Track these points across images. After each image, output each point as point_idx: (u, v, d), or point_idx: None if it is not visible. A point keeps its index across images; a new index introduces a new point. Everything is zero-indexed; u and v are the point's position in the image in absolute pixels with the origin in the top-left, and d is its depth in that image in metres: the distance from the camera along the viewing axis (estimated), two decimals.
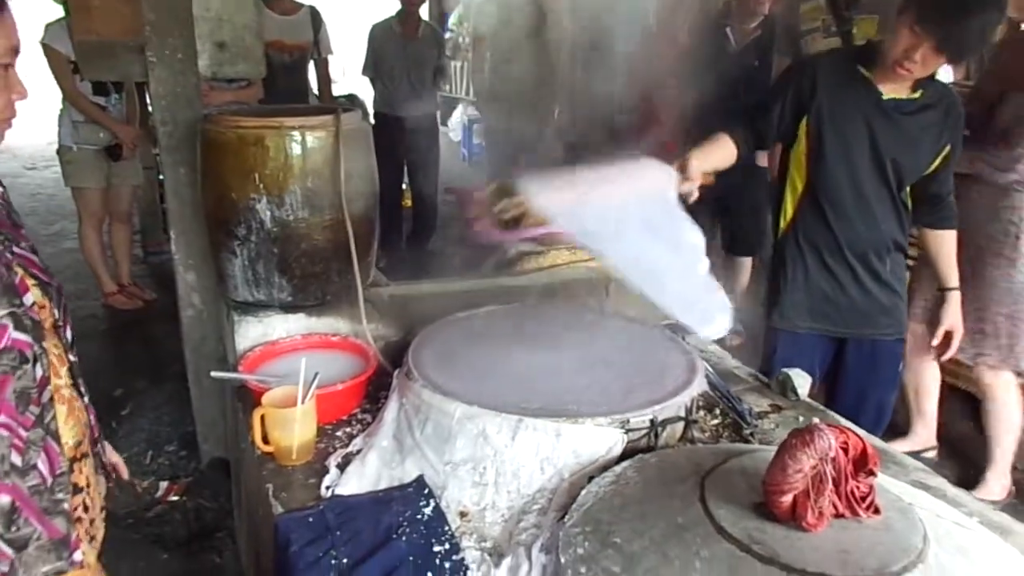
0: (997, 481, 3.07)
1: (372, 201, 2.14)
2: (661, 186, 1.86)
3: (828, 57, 2.24)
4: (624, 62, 4.70)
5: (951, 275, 2.24)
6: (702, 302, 1.66)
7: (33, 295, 1.16)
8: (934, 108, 2.05)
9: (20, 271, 1.14)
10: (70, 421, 1.25)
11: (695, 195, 1.92)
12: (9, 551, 1.05)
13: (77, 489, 1.24)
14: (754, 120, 2.15)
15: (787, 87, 2.13)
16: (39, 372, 1.12)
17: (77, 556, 1.14)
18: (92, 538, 1.29)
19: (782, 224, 2.25)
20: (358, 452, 1.62)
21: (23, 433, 1.09)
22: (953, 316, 2.24)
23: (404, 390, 1.64)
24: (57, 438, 1.15)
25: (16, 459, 1.07)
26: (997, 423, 3.04)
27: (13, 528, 1.07)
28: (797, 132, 2.13)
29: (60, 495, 1.13)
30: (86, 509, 1.28)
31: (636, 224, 1.72)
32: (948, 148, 2.10)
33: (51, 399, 1.16)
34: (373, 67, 5.11)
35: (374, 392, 1.83)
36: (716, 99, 3.34)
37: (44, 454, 1.11)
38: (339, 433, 1.72)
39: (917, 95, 2.04)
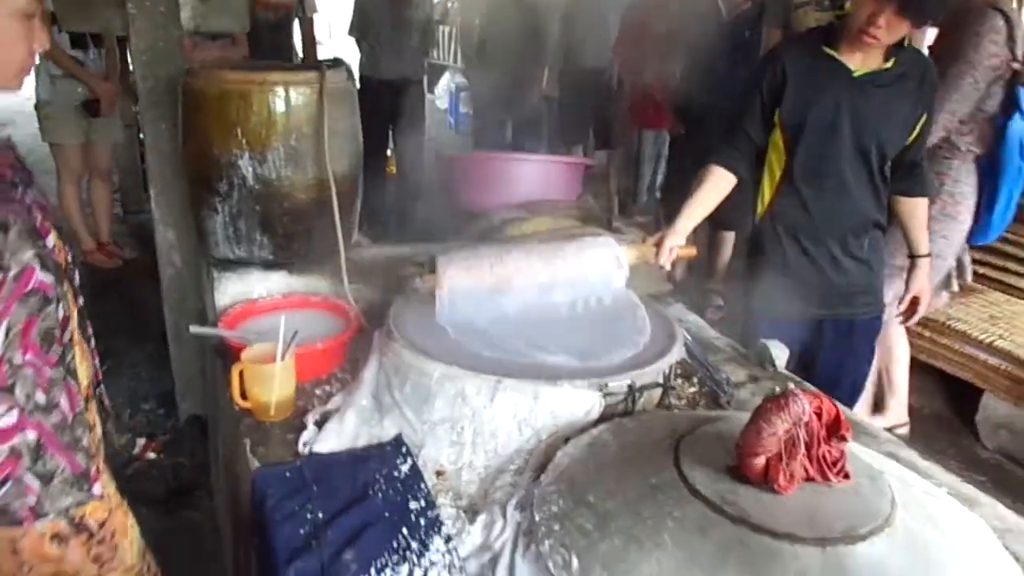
0: (900, 407, 3.23)
1: (356, 161, 2.12)
2: (605, 271, 1.81)
3: (793, 43, 2.22)
4: (614, 31, 4.68)
5: (922, 242, 2.25)
6: None
7: (53, 238, 1.18)
8: (908, 77, 2.04)
9: (39, 214, 1.16)
10: (83, 363, 1.27)
11: (668, 267, 1.98)
12: (36, 484, 1.09)
13: (89, 427, 1.27)
14: (741, 131, 2.15)
15: (760, 84, 2.12)
16: (60, 313, 1.15)
17: (96, 489, 1.19)
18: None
19: (759, 209, 2.25)
20: (337, 410, 1.62)
21: (47, 372, 1.13)
22: (921, 282, 2.25)
23: (384, 350, 1.64)
24: (76, 377, 1.19)
25: (41, 397, 1.11)
26: (888, 356, 3.19)
27: (39, 463, 1.11)
28: (773, 121, 2.12)
29: (79, 431, 1.18)
30: (96, 448, 1.30)
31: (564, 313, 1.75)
32: (924, 116, 2.10)
33: (71, 339, 1.19)
34: (359, 28, 5.03)
35: (354, 352, 1.83)
36: (706, 70, 3.34)
37: (66, 392, 1.15)
38: (318, 391, 1.72)
39: (890, 64, 2.03)
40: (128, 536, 1.30)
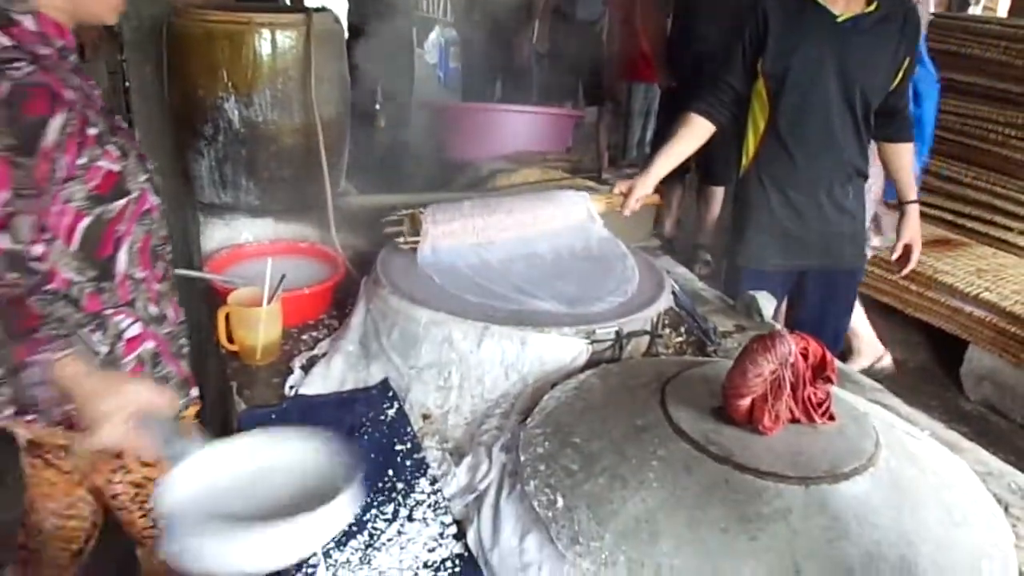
0: (869, 344, 3.27)
1: (343, 107, 2.09)
2: (579, 222, 1.88)
3: None
4: None
5: (910, 187, 2.23)
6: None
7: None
8: (891, 19, 2.01)
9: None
10: None
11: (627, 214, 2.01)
12: None
13: None
14: (723, 80, 2.11)
15: (741, 32, 2.08)
16: (163, 232, 1.28)
17: (194, 392, 1.36)
18: None
19: (744, 162, 2.23)
20: (323, 355, 1.62)
21: (156, 286, 1.26)
22: (912, 229, 2.23)
23: (371, 296, 1.62)
24: (176, 292, 1.33)
25: (153, 309, 1.25)
26: None
27: (157, 369, 1.28)
28: (755, 70, 2.09)
29: (182, 340, 1.33)
30: None
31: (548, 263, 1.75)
32: (907, 61, 2.08)
33: (170, 258, 1.31)
34: None
35: (341, 299, 1.82)
36: (697, 22, 3.29)
37: (171, 305, 1.30)
38: (305, 337, 1.71)
39: (872, 8, 1.99)
40: None
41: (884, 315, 3.66)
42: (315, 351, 1.64)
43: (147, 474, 1.33)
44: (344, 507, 0.92)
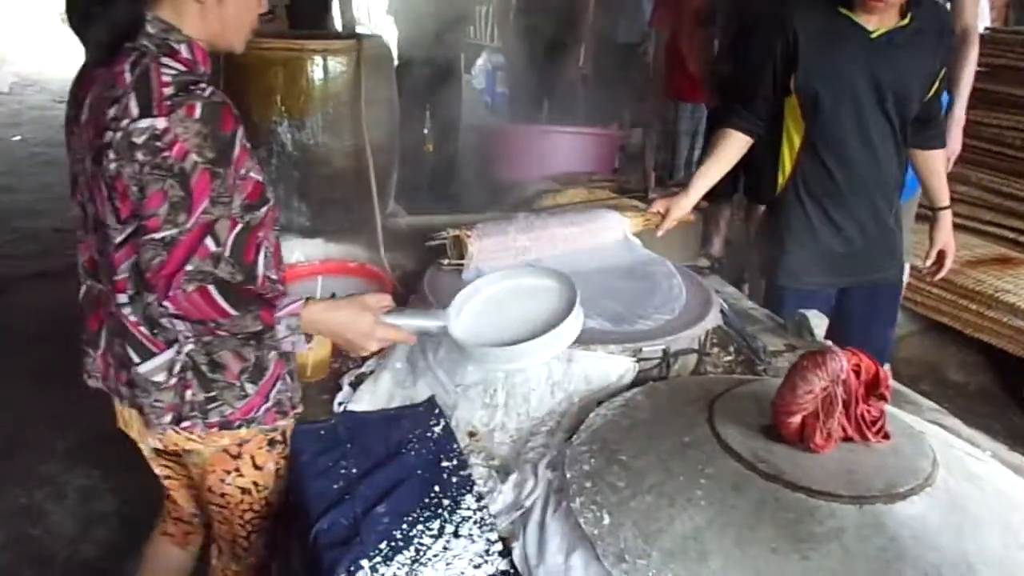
0: None
1: (392, 129, 2.13)
2: (613, 239, 1.89)
3: (805, 5, 2.14)
4: (647, 5, 4.60)
5: (944, 194, 2.19)
6: None
7: None
8: (926, 31, 1.96)
9: None
10: None
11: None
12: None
13: None
14: (755, 95, 2.09)
15: (769, 49, 2.06)
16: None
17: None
18: None
19: (780, 179, 2.19)
20: (371, 372, 1.64)
21: (280, 287, 1.33)
22: (946, 235, 2.19)
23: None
24: None
25: (273, 274, 1.30)
26: None
27: (290, 365, 1.37)
28: (788, 86, 2.07)
29: None
30: None
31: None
32: (943, 71, 2.04)
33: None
34: (397, 5, 5.03)
35: None
36: (744, 43, 3.26)
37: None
38: (352, 355, 1.73)
39: (906, 21, 1.96)
40: None
41: (941, 335, 3.55)
42: (363, 369, 1.66)
43: (256, 479, 1.38)
44: (573, 326, 1.34)
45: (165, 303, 1.11)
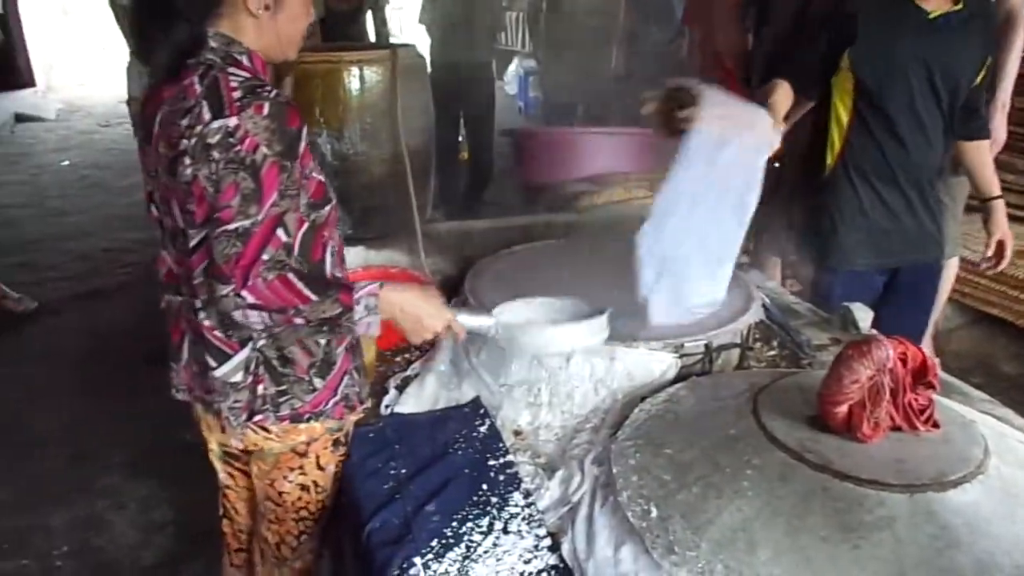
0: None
1: (428, 136, 2.16)
2: (766, 140, 1.69)
3: None
4: (679, 5, 4.59)
5: (993, 183, 2.16)
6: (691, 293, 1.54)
7: None
8: (976, 17, 1.98)
9: None
10: None
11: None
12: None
13: None
14: (805, 63, 2.07)
15: (827, 24, 2.05)
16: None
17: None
18: None
19: (829, 159, 2.16)
20: (416, 375, 1.66)
21: None
22: (1002, 225, 2.15)
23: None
24: None
25: (338, 272, 1.34)
26: None
27: (356, 360, 1.39)
28: (839, 64, 2.05)
29: None
30: None
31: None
32: (990, 59, 2.04)
33: None
34: (429, 15, 5.09)
35: None
36: (777, 37, 3.23)
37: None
38: (398, 359, 1.76)
39: (960, 6, 1.95)
40: None
41: (991, 327, 3.47)
42: (408, 372, 1.69)
43: (316, 478, 1.41)
44: (605, 323, 1.39)
45: (243, 293, 1.15)
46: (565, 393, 1.47)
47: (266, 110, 1.14)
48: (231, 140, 1.12)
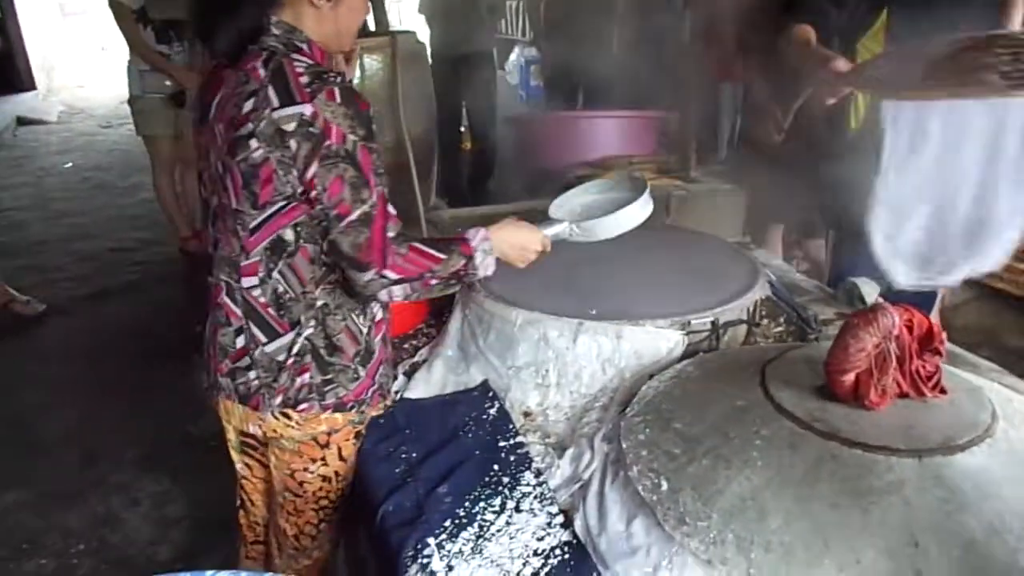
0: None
1: (430, 124, 2.17)
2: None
3: None
4: None
5: None
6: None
7: None
8: None
9: None
10: None
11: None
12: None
13: None
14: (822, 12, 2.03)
15: None
16: None
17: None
18: None
19: (854, 123, 2.12)
20: (424, 361, 1.67)
21: None
22: None
23: (467, 302, 1.67)
24: None
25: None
26: None
27: (387, 350, 1.45)
28: (870, 23, 2.01)
29: None
30: None
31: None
32: None
33: None
34: (429, 5, 5.07)
35: (438, 308, 1.87)
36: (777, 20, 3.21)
37: None
38: (405, 345, 1.77)
39: None
40: None
41: (998, 301, 3.45)
42: (416, 358, 1.70)
43: (338, 468, 1.43)
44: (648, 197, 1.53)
45: (386, 272, 1.22)
46: (573, 373, 1.48)
47: (338, 96, 1.17)
48: (312, 130, 1.15)
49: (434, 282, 1.28)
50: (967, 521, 0.90)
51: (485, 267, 1.33)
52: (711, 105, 4.16)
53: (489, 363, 1.57)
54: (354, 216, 1.19)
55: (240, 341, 1.32)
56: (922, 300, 2.19)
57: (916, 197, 1.30)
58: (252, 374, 1.32)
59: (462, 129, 5.45)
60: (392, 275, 1.22)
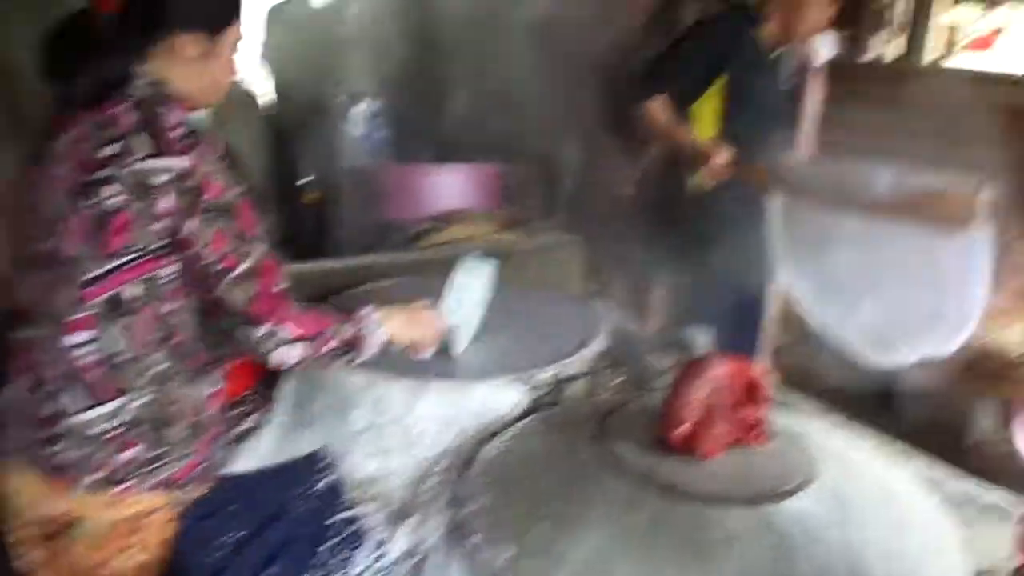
0: None
1: (260, 175, 2.06)
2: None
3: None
4: (524, 46, 4.71)
5: None
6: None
7: None
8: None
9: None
10: None
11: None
12: None
13: None
14: (683, 81, 2.17)
15: (706, 44, 2.17)
16: None
17: None
18: None
19: (696, 184, 2.23)
20: (253, 429, 1.55)
21: None
22: None
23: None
24: None
25: None
26: None
27: None
28: (708, 87, 2.16)
29: None
30: None
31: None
32: None
33: None
34: (272, 52, 4.94)
35: (267, 373, 1.75)
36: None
37: None
38: (233, 412, 1.64)
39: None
40: None
41: (817, 342, 3.71)
42: (244, 426, 1.58)
43: (154, 554, 1.25)
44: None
45: (282, 327, 1.16)
46: (414, 435, 1.41)
47: (213, 150, 1.14)
48: (189, 184, 1.10)
49: (332, 345, 1.23)
50: (798, 566, 0.92)
51: (377, 339, 1.28)
52: (554, 157, 4.30)
53: (324, 429, 1.48)
54: (242, 269, 1.14)
55: (51, 407, 1.16)
56: (748, 347, 2.34)
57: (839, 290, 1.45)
58: (62, 445, 1.16)
59: (304, 179, 5.30)
60: (287, 332, 1.17)
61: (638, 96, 2.16)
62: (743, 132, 2.17)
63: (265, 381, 1.73)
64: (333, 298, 1.85)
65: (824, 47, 2.82)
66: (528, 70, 4.56)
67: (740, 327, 2.33)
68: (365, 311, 1.29)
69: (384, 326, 1.29)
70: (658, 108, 2.12)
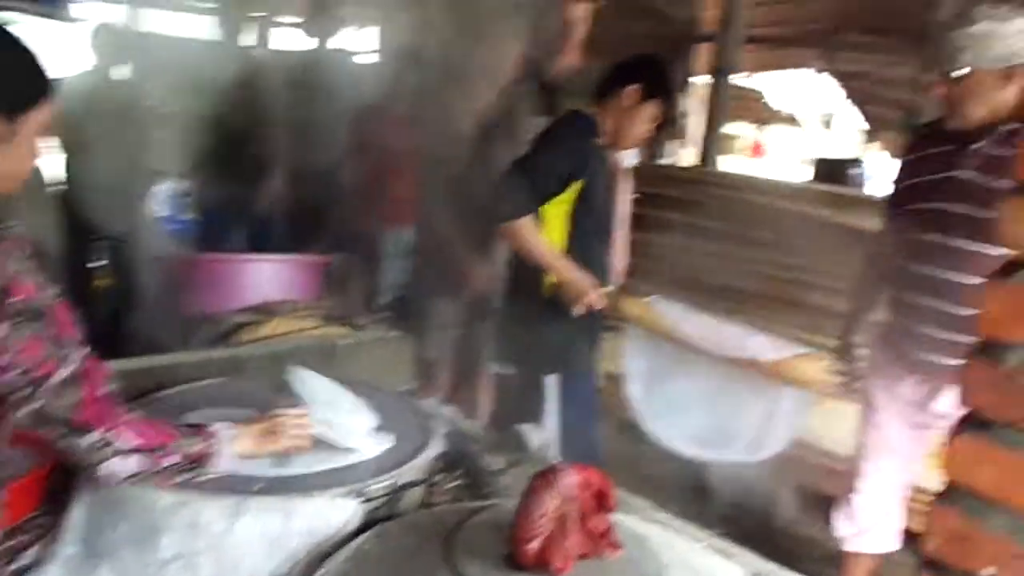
0: None
1: (51, 264, 1.84)
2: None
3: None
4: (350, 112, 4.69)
5: None
6: None
7: None
8: None
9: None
10: None
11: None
12: None
13: None
14: (539, 195, 2.26)
15: (563, 156, 2.30)
16: None
17: None
18: None
19: (546, 287, 2.32)
20: (35, 563, 1.33)
21: None
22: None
23: (93, 484, 1.38)
24: None
25: None
26: None
27: None
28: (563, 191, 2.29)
29: None
30: None
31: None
32: None
33: None
34: (66, 132, 4.54)
35: (52, 494, 1.52)
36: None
37: None
38: (11, 542, 1.40)
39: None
40: None
41: (636, 431, 3.85)
42: (22, 561, 1.35)
43: None
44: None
45: (114, 435, 1.12)
46: (232, 563, 1.27)
47: (21, 248, 1.07)
48: None
49: (174, 460, 1.19)
50: None
51: (227, 456, 1.27)
52: (376, 249, 4.24)
53: (124, 561, 1.29)
54: (62, 375, 1.09)
55: None
56: (589, 453, 2.40)
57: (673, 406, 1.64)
58: None
59: (100, 266, 4.86)
60: (123, 441, 1.14)
61: (500, 214, 2.23)
62: (589, 232, 2.32)
63: (50, 505, 1.50)
64: (133, 403, 1.66)
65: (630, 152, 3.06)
66: (352, 157, 4.55)
67: (579, 423, 2.39)
68: (217, 426, 1.27)
69: (236, 443, 1.27)
70: (523, 230, 2.20)
